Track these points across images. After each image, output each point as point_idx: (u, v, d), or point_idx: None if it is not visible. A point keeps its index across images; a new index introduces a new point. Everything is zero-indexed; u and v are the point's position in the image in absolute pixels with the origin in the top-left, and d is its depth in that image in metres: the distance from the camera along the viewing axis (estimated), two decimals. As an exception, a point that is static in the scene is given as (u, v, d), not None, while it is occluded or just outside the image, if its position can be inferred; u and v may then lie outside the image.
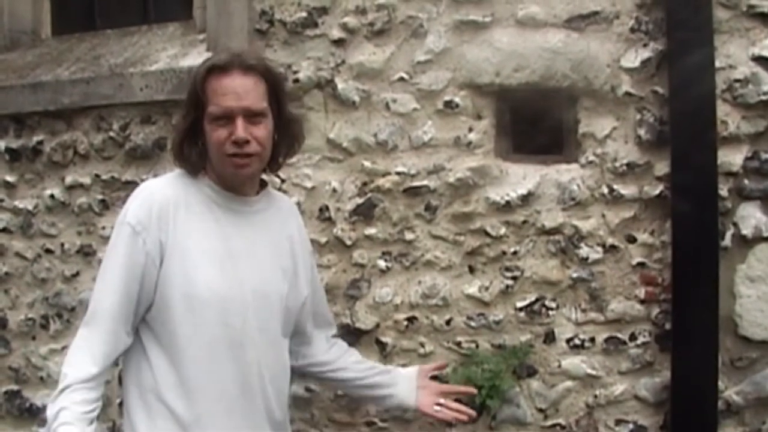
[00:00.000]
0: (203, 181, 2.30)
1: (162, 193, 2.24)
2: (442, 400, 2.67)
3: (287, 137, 2.43)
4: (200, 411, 2.20)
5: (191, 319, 2.18)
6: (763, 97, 2.83)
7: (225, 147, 2.21)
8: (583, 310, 2.97)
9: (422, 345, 3.06)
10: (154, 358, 2.22)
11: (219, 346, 2.22)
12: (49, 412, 2.13)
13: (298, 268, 2.45)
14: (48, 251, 3.55)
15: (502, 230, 2.98)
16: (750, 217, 2.87)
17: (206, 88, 2.22)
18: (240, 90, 2.21)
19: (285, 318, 2.39)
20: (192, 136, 2.29)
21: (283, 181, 3.15)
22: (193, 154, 2.30)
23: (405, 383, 2.70)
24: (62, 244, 3.52)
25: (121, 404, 3.39)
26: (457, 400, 2.98)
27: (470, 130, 3.01)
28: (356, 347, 3.03)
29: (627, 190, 2.92)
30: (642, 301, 2.94)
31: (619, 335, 2.95)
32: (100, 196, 3.45)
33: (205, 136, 2.25)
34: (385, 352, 3.07)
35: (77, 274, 3.50)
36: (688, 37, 2.83)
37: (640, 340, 2.94)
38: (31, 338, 3.59)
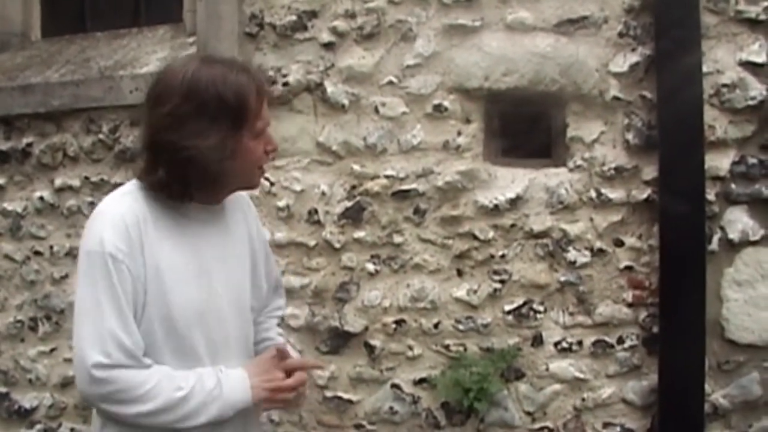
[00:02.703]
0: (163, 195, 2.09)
1: (131, 213, 2.02)
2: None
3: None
4: None
5: (173, 341, 2.09)
6: (751, 102, 2.84)
7: (262, 159, 2.12)
8: (571, 314, 2.98)
9: (410, 348, 3.06)
10: None
11: (202, 359, 2.17)
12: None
13: (258, 264, 2.36)
14: (37, 253, 3.54)
15: (491, 234, 2.99)
16: (737, 222, 2.88)
17: (258, 105, 2.06)
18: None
19: (253, 316, 2.34)
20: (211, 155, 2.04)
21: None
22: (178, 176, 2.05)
23: None
24: (51, 247, 3.51)
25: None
26: (445, 402, 3.01)
27: (459, 133, 3.01)
28: (345, 350, 3.05)
29: (615, 194, 2.93)
30: (629, 305, 2.95)
31: (607, 338, 2.96)
32: (89, 199, 3.45)
33: (236, 154, 2.03)
34: (373, 355, 3.07)
35: (66, 276, 3.49)
36: (676, 42, 2.84)
37: (628, 343, 2.95)
38: (20, 340, 3.58)
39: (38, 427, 3.54)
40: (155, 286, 2.01)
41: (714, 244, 2.89)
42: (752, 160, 2.87)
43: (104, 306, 1.93)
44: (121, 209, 2.01)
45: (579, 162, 2.96)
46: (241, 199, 2.29)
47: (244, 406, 2.05)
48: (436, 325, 3.04)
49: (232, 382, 2.06)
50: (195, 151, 1.98)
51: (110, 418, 2.00)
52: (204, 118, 1.99)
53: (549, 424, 3.01)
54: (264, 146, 2.08)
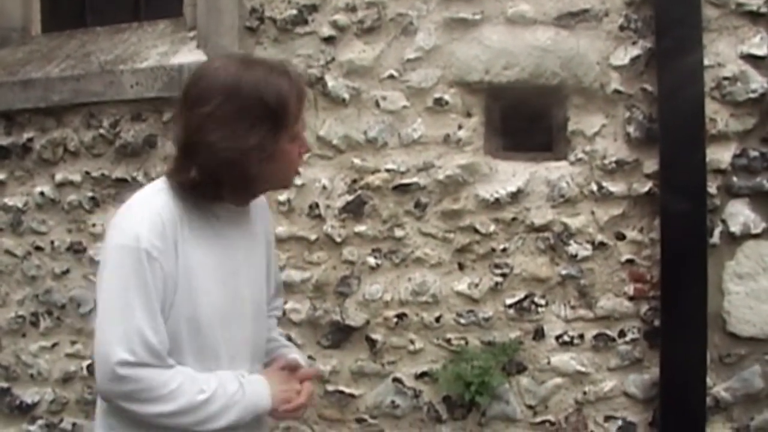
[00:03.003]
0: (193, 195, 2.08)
1: (168, 210, 2.01)
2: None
3: None
4: None
5: (196, 341, 2.09)
6: (752, 95, 2.84)
7: (297, 161, 2.13)
8: (572, 307, 2.98)
9: (412, 342, 3.06)
10: None
11: (222, 360, 2.17)
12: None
13: (270, 266, 2.39)
14: (38, 248, 3.54)
15: (492, 227, 2.99)
16: (738, 215, 2.88)
17: (298, 107, 2.05)
18: None
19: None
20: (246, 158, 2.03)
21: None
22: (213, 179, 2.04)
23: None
24: (52, 242, 3.51)
25: (111, 401, 3.39)
26: (447, 396, 3.01)
27: (460, 127, 3.01)
28: (346, 344, 3.05)
29: (616, 187, 2.93)
30: (631, 298, 2.95)
31: (608, 332, 2.96)
32: (90, 194, 3.45)
33: (273, 157, 2.02)
34: (375, 349, 3.08)
35: (67, 271, 3.50)
36: (677, 36, 2.84)
37: (629, 336, 2.95)
38: (21, 336, 3.58)
39: (40, 422, 3.54)
40: (185, 285, 2.00)
41: (715, 237, 2.89)
42: (753, 153, 2.87)
43: (134, 303, 1.92)
44: (158, 205, 2.00)
45: (580, 155, 2.96)
46: (260, 201, 2.28)
47: (263, 411, 2.07)
48: (437, 319, 3.04)
49: (253, 388, 2.06)
50: (234, 152, 1.97)
51: (115, 414, 2.00)
52: (245, 120, 1.98)
53: (551, 417, 3.01)
54: (299, 148, 2.08)
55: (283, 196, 3.14)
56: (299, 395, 2.17)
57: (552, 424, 3.01)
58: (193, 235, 2.02)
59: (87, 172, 3.45)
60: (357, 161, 3.08)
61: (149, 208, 1.99)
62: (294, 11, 3.14)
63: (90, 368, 3.46)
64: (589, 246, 2.95)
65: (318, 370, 2.89)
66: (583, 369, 2.97)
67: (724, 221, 2.89)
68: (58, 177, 3.49)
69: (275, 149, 2.00)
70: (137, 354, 1.88)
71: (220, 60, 2.14)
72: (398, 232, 3.05)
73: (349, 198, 3.10)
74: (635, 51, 2.92)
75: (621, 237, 2.95)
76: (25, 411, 3.56)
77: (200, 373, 1.98)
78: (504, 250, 2.99)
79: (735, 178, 2.87)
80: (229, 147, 1.96)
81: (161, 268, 1.93)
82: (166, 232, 1.96)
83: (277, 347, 2.36)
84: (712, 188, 2.87)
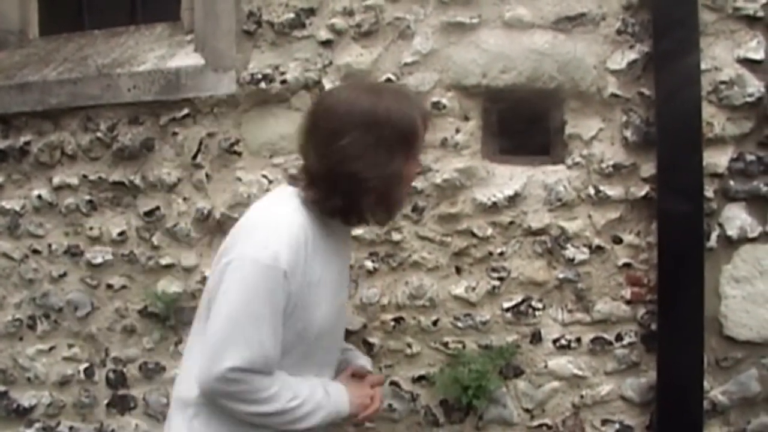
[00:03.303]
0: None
1: (303, 232, 2.10)
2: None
3: None
4: None
5: (299, 350, 2.17)
6: (749, 99, 2.84)
7: (411, 183, 2.34)
8: (570, 311, 2.98)
9: (409, 345, 3.06)
10: None
11: (314, 367, 2.26)
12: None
13: None
14: (35, 252, 3.54)
15: (489, 231, 2.99)
16: (735, 218, 2.89)
17: (421, 133, 2.22)
18: None
19: None
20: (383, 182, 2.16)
21: (270, 181, 3.15)
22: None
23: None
24: (49, 245, 3.51)
25: (108, 405, 3.40)
26: (444, 400, 3.01)
27: (457, 131, 3.01)
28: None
29: (613, 191, 2.93)
30: (628, 302, 2.95)
31: (605, 336, 2.97)
32: (87, 197, 3.44)
33: (398, 180, 2.18)
34: (372, 353, 3.07)
35: (65, 274, 3.49)
36: (674, 39, 2.84)
37: (626, 340, 2.96)
38: (18, 339, 3.58)
39: (37, 425, 3.54)
40: (303, 301, 2.11)
41: (712, 241, 2.89)
42: (750, 157, 2.87)
43: (262, 318, 2.02)
44: (297, 224, 2.10)
45: (577, 159, 2.96)
46: None
47: (343, 417, 2.24)
48: (434, 323, 3.04)
49: (336, 395, 2.22)
50: (378, 180, 2.11)
51: (207, 413, 2.12)
52: (383, 149, 2.10)
53: (548, 421, 3.01)
54: (416, 169, 2.26)
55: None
56: (373, 401, 2.37)
57: (549, 427, 3.01)
58: (315, 252, 2.12)
59: (84, 176, 3.45)
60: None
61: (289, 227, 2.09)
62: (291, 15, 3.14)
63: (87, 371, 3.47)
64: (586, 250, 2.95)
65: (382, 375, 2.92)
66: (580, 373, 2.97)
67: (721, 225, 2.90)
68: (56, 180, 3.49)
69: (405, 173, 2.18)
70: (254, 364, 2.01)
71: (346, 90, 2.29)
72: (395, 236, 3.05)
73: (347, 201, 3.10)
74: (632, 55, 2.92)
75: (618, 241, 2.95)
76: (22, 414, 3.55)
77: (294, 379, 2.13)
78: (501, 253, 2.99)
79: (732, 182, 2.88)
80: (373, 176, 2.10)
81: (290, 286, 2.05)
82: (300, 252, 2.07)
83: (343, 350, 2.51)
84: (709, 192, 2.87)
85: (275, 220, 2.12)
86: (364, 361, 2.57)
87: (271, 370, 2.07)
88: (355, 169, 2.09)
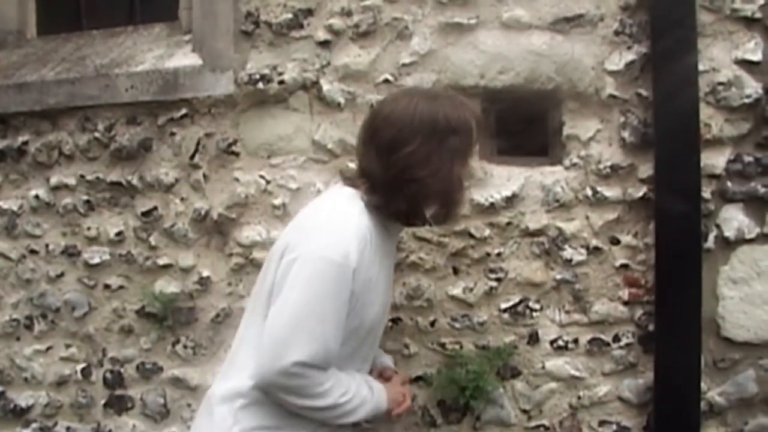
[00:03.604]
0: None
1: (369, 232, 2.23)
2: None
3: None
4: None
5: (350, 347, 2.28)
6: (746, 100, 2.84)
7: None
8: (567, 312, 2.98)
9: (407, 346, 3.06)
10: None
11: (359, 363, 2.38)
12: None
13: None
14: (32, 252, 3.54)
15: (487, 232, 2.99)
16: (733, 219, 2.89)
17: (476, 137, 2.36)
18: None
19: None
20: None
21: (268, 182, 3.15)
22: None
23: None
24: (47, 245, 3.51)
25: (105, 405, 3.40)
26: (441, 400, 3.01)
27: (455, 131, 3.01)
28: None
29: (611, 192, 2.93)
30: (625, 303, 2.95)
31: (603, 336, 2.97)
32: (85, 197, 3.44)
33: (450, 181, 2.30)
34: (369, 354, 3.07)
35: (62, 274, 3.49)
36: (672, 40, 2.85)
37: (624, 341, 2.96)
38: (16, 339, 3.57)
39: (34, 425, 3.54)
40: (363, 299, 2.22)
41: (710, 242, 2.89)
42: (748, 158, 2.88)
43: (328, 314, 2.11)
44: (364, 226, 2.22)
45: (575, 160, 2.96)
46: None
47: (382, 413, 2.38)
48: (432, 323, 3.04)
49: (378, 392, 2.36)
50: (443, 184, 2.26)
51: (256, 405, 2.20)
52: (445, 154, 2.24)
53: (545, 422, 3.01)
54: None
55: (278, 200, 3.14)
56: (405, 398, 2.55)
57: (546, 428, 3.01)
58: (374, 252, 2.23)
59: (82, 176, 3.45)
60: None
61: (357, 227, 2.21)
62: (289, 15, 3.14)
63: (84, 372, 3.46)
64: (583, 251, 2.95)
65: (407, 374, 3.01)
66: (577, 374, 2.97)
67: (718, 226, 2.90)
68: (53, 180, 3.49)
69: (466, 175, 2.36)
70: (316, 359, 2.09)
71: (404, 98, 2.36)
72: (393, 237, 3.05)
73: (344, 202, 3.10)
74: (630, 56, 2.92)
75: (616, 242, 2.95)
76: (19, 414, 3.55)
77: (344, 375, 2.24)
78: (499, 254, 2.99)
79: (729, 183, 2.88)
80: (437, 180, 2.23)
81: (354, 284, 2.15)
82: (365, 252, 2.18)
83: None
84: (706, 193, 2.87)
85: (344, 220, 2.21)
86: (387, 359, 2.77)
87: (329, 366, 2.16)
88: (420, 175, 2.21)
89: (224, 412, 2.23)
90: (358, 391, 2.26)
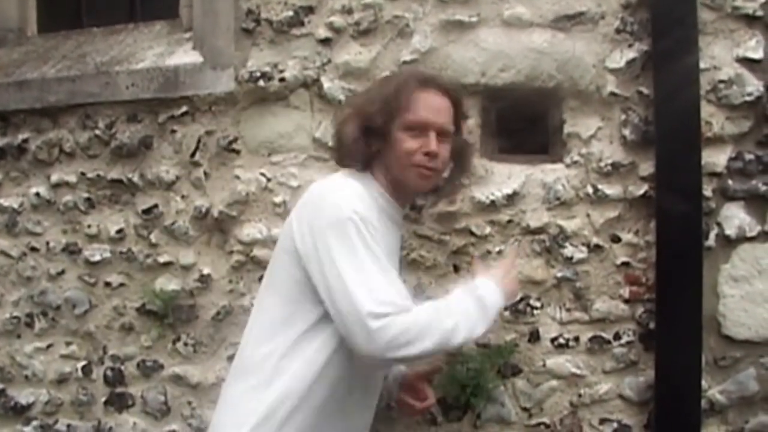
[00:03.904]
0: (373, 188, 2.39)
1: (372, 200, 2.33)
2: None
3: (457, 164, 2.62)
4: None
5: None
6: (747, 98, 2.85)
7: (414, 157, 2.37)
8: (568, 310, 2.98)
9: (407, 344, 3.05)
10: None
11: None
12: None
13: None
14: (33, 249, 3.54)
15: (487, 230, 2.99)
16: (734, 218, 2.89)
17: (409, 97, 2.37)
18: (439, 107, 2.40)
19: None
20: (366, 137, 2.40)
21: (269, 180, 3.15)
22: (361, 154, 2.40)
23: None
24: (47, 243, 3.51)
25: (106, 403, 3.40)
26: (442, 398, 3.00)
27: (456, 129, 3.01)
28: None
29: (612, 190, 2.93)
30: (626, 301, 2.95)
31: (604, 334, 2.96)
32: (85, 195, 3.44)
33: (388, 141, 2.38)
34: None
35: (62, 272, 3.49)
36: (674, 38, 2.85)
37: (625, 339, 2.96)
38: (16, 336, 3.58)
39: (34, 423, 3.54)
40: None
41: (711, 240, 2.89)
42: (749, 156, 2.88)
43: (367, 265, 2.14)
44: (365, 193, 2.31)
45: (576, 158, 2.96)
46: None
47: (504, 302, 2.41)
48: (432, 321, 3.03)
49: (488, 293, 2.33)
50: (351, 131, 2.42)
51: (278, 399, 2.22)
52: (373, 105, 2.40)
53: (545, 419, 3.01)
54: (419, 146, 2.36)
55: (278, 198, 3.14)
56: (428, 396, 2.71)
57: (547, 426, 3.01)
58: (376, 230, 2.24)
59: (83, 173, 3.45)
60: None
61: (354, 188, 2.29)
62: (290, 13, 3.14)
63: (84, 369, 3.47)
64: (584, 248, 2.95)
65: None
66: (578, 371, 2.97)
67: (719, 224, 2.90)
68: (54, 178, 3.49)
69: (381, 136, 2.40)
70: (385, 307, 2.10)
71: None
72: (394, 234, 3.05)
73: (345, 200, 3.10)
74: (631, 54, 2.92)
75: (616, 240, 2.95)
76: (20, 412, 3.55)
77: (436, 302, 2.28)
78: (500, 252, 2.99)
79: (730, 181, 2.88)
80: (352, 128, 2.42)
81: (375, 232, 2.21)
82: (372, 212, 2.25)
83: None
84: (707, 191, 2.87)
85: (337, 186, 2.31)
86: (401, 367, 2.78)
87: (406, 307, 2.14)
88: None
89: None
90: (458, 309, 2.24)
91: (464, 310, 2.24)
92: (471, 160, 2.75)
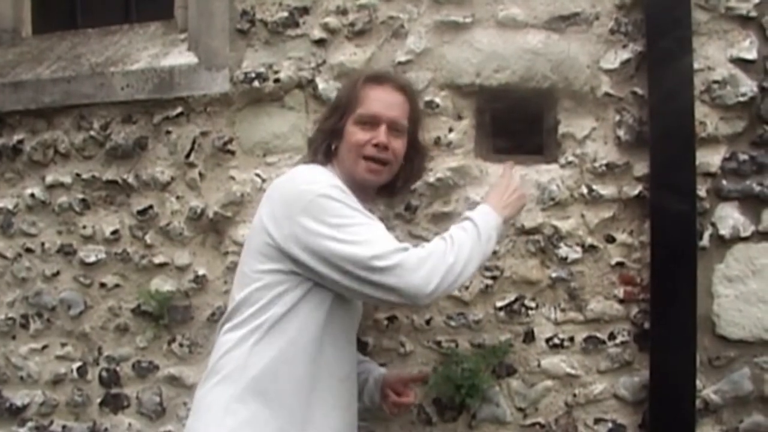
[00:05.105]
0: (337, 179, 2.43)
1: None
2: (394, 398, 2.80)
3: (411, 164, 2.66)
4: None
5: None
6: (741, 99, 2.85)
7: (364, 149, 2.44)
8: (563, 310, 2.98)
9: (402, 344, 3.06)
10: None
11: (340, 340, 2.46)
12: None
13: None
14: (28, 250, 3.53)
15: (482, 230, 2.98)
16: (728, 218, 2.89)
17: (360, 93, 2.47)
18: (391, 101, 2.48)
19: None
20: (329, 136, 2.52)
21: (264, 180, 3.15)
22: (322, 154, 2.51)
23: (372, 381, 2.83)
24: (42, 244, 3.51)
25: (101, 404, 3.39)
26: (437, 398, 3.01)
27: (450, 130, 3.01)
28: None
29: (606, 190, 2.94)
30: (621, 301, 2.96)
31: (598, 335, 2.97)
32: (80, 196, 3.44)
33: (342, 137, 2.48)
34: (365, 352, 3.07)
35: (57, 273, 3.49)
36: (668, 39, 2.85)
37: (619, 339, 2.96)
38: (11, 338, 3.57)
39: (30, 424, 3.53)
40: None
41: (705, 241, 2.90)
42: (743, 157, 2.88)
43: (357, 219, 2.24)
44: (328, 171, 2.44)
45: (570, 158, 2.97)
46: None
47: (502, 224, 2.50)
48: (427, 322, 3.04)
49: (483, 217, 2.44)
50: (318, 131, 2.63)
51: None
52: (332, 105, 2.62)
53: (540, 419, 3.01)
54: (369, 138, 2.44)
55: (273, 199, 3.14)
56: (408, 396, 2.76)
57: (542, 426, 3.01)
58: (356, 202, 2.34)
59: (77, 174, 3.44)
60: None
61: (327, 172, 2.42)
62: (285, 13, 3.14)
63: (80, 370, 3.46)
64: (579, 249, 2.95)
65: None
66: (573, 371, 2.97)
67: (713, 224, 2.90)
68: (49, 179, 3.49)
69: (337, 132, 2.53)
70: (384, 247, 2.20)
71: None
72: (389, 235, 3.04)
73: (340, 200, 3.10)
74: (625, 54, 2.93)
75: (611, 240, 2.95)
76: (15, 413, 3.55)
77: (434, 241, 2.36)
78: (494, 252, 2.98)
79: (725, 182, 2.89)
80: (319, 127, 2.68)
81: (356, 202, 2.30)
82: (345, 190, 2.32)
83: (360, 361, 2.81)
84: (701, 191, 2.88)
85: (307, 169, 2.42)
86: (382, 369, 2.88)
87: (404, 247, 2.24)
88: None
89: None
90: (457, 238, 2.33)
91: (458, 239, 2.34)
92: (425, 159, 2.79)
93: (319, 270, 2.23)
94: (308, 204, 2.22)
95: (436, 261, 2.23)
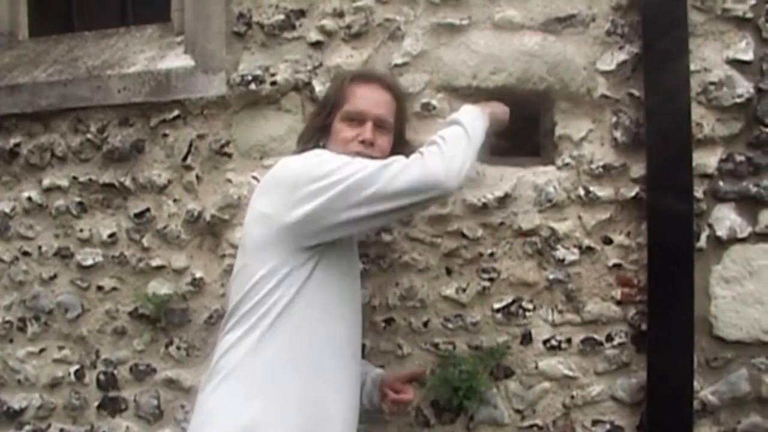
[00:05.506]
0: None
1: None
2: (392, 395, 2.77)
3: None
4: None
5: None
6: (738, 100, 2.86)
7: (350, 145, 2.48)
8: (560, 312, 2.98)
9: (400, 347, 3.06)
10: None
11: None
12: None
13: None
14: (25, 254, 3.53)
15: (479, 232, 2.99)
16: (725, 219, 2.90)
17: (347, 90, 2.54)
18: (378, 99, 2.55)
19: None
20: (318, 135, 2.59)
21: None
22: (310, 148, 2.53)
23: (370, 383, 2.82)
24: (39, 247, 3.50)
25: (99, 407, 3.39)
26: (435, 401, 3.01)
27: (447, 132, 3.01)
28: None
29: (603, 191, 2.94)
30: (618, 303, 2.96)
31: (596, 336, 2.97)
32: (77, 199, 3.44)
33: (330, 133, 2.55)
34: (363, 354, 3.06)
35: (55, 276, 3.49)
36: (664, 41, 2.85)
37: (617, 341, 2.96)
38: (9, 341, 3.57)
39: (27, 428, 3.53)
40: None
41: (702, 242, 2.90)
42: (740, 158, 2.89)
43: (345, 159, 2.32)
44: None
45: (567, 160, 2.97)
46: None
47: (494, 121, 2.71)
48: (425, 324, 3.04)
49: (471, 118, 2.58)
50: (307, 128, 2.73)
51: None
52: (320, 103, 2.73)
53: (538, 421, 3.01)
54: (356, 135, 2.49)
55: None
56: (408, 393, 2.72)
57: (540, 428, 3.01)
58: None
59: (74, 177, 3.44)
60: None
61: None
62: (281, 16, 3.14)
63: (77, 373, 3.46)
64: (576, 250, 2.95)
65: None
66: (570, 373, 2.97)
67: (710, 225, 2.90)
68: (46, 182, 3.48)
69: (325, 129, 2.62)
70: (385, 161, 2.32)
71: None
72: (386, 237, 3.04)
73: (337, 203, 3.10)
74: (622, 56, 2.93)
75: (608, 241, 2.95)
76: (13, 417, 3.54)
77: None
78: (491, 254, 2.99)
79: (721, 183, 2.89)
80: (308, 125, 2.79)
81: None
82: None
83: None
84: (698, 192, 2.88)
85: (298, 154, 2.53)
86: (380, 371, 2.88)
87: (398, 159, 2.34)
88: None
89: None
90: (447, 134, 2.45)
91: (449, 134, 2.47)
92: None
93: (349, 218, 2.28)
94: (308, 171, 2.30)
95: (440, 149, 2.36)
